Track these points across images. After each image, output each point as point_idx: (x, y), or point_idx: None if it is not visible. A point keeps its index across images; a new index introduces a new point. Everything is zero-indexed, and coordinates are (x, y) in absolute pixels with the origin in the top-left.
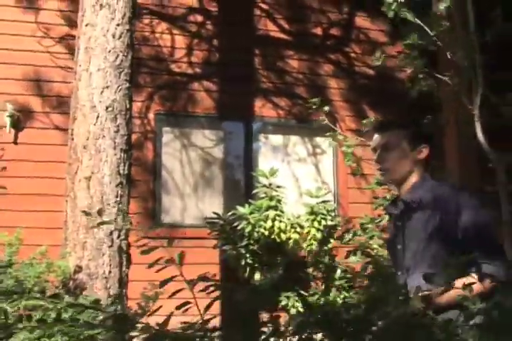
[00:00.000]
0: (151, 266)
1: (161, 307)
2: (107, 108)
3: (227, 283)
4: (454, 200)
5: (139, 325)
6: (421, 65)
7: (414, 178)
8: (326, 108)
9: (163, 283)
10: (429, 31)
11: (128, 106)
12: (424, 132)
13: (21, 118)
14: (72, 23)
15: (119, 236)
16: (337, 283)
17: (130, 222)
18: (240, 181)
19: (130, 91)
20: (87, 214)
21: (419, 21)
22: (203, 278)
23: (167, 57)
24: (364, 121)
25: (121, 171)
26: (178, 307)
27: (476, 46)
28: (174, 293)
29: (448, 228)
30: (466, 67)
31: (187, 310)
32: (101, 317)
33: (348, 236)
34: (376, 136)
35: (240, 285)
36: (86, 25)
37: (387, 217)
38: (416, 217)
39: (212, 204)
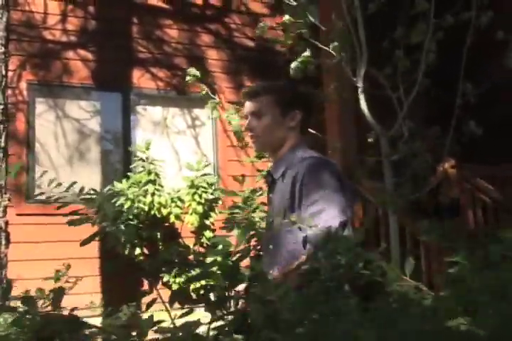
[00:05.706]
0: None
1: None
2: None
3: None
4: (302, 174)
5: None
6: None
7: (287, 146)
8: (203, 79)
9: None
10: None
11: (4, 72)
12: (297, 96)
13: None
14: None
15: None
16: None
17: (9, 198)
18: (118, 154)
19: (6, 56)
20: None
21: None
22: None
23: (39, 23)
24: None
25: None
26: None
27: (360, 20)
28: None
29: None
30: (349, 40)
31: None
32: None
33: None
34: (247, 103)
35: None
36: None
37: None
38: (278, 194)
39: (89, 179)
